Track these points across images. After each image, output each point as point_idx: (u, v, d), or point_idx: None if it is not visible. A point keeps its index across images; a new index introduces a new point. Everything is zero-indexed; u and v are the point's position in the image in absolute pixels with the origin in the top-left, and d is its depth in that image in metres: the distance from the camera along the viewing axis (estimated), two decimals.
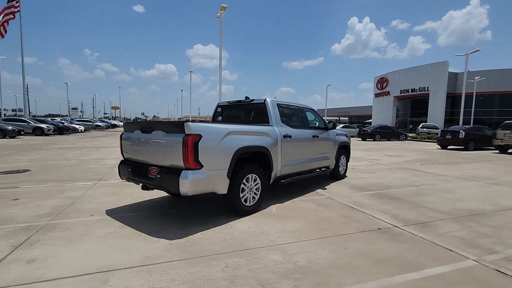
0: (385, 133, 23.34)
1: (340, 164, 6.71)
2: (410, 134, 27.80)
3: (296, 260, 2.70)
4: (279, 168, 4.64)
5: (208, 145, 3.45)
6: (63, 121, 34.57)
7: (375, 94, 49.52)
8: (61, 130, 25.32)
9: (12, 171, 7.28)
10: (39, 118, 39.50)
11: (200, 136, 3.36)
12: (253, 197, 4.16)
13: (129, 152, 4.22)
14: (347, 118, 73.29)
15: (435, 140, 18.36)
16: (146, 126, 3.87)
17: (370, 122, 49.15)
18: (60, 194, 5.15)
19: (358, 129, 25.99)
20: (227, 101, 5.50)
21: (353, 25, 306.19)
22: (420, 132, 27.00)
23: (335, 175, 6.63)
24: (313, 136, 5.49)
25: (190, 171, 3.32)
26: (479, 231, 3.49)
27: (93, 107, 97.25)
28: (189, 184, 3.30)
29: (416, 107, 46.04)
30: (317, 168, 5.84)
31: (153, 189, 3.84)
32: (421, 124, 31.76)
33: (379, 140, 22.76)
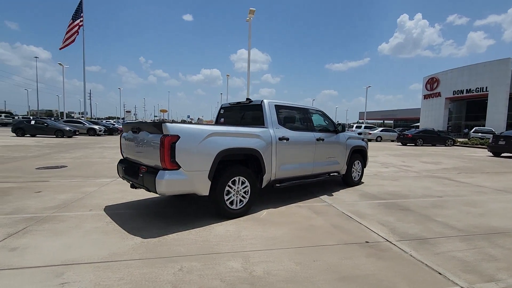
0: (428, 138, 21.37)
1: (353, 169, 6.27)
2: (460, 139, 25.10)
3: (254, 269, 2.55)
4: (273, 171, 4.48)
5: (187, 146, 3.44)
6: (114, 123, 37.78)
7: (424, 95, 45.78)
8: (111, 131, 27.72)
9: (52, 167, 8.08)
10: (96, 120, 43.75)
11: (177, 137, 3.37)
12: (241, 200, 4.06)
13: (125, 152, 4.41)
14: (392, 122, 68.79)
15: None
16: (135, 126, 4.01)
17: (418, 126, 45.55)
18: (77, 189, 5.57)
19: (398, 133, 24.17)
20: (229, 103, 5.47)
21: (403, 23, 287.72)
22: (472, 137, 24.23)
23: (347, 181, 6.21)
24: (318, 139, 5.20)
25: (166, 171, 3.35)
26: (487, 253, 2.97)
27: (144, 110, 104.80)
28: (164, 184, 3.33)
29: (473, 109, 41.52)
30: (324, 173, 5.52)
31: (140, 188, 3.94)
32: (474, 128, 28.52)
33: (421, 145, 20.91)
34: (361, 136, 6.88)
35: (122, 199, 4.86)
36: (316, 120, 5.65)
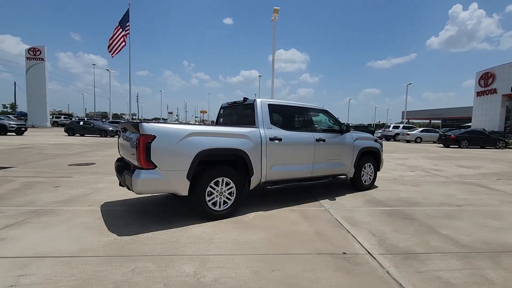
0: (475, 139, 19.21)
1: (364, 172, 5.83)
2: None
3: (205, 275, 2.45)
4: (264, 173, 4.32)
5: (163, 145, 3.45)
6: None
7: (477, 92, 41.34)
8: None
9: (82, 164, 8.74)
10: (140, 120, 46.80)
11: (153, 137, 3.39)
12: (225, 202, 3.97)
13: (120, 151, 4.57)
14: (439, 122, 63.27)
15: None
16: (123, 126, 4.13)
17: (470, 126, 41.33)
18: (91, 185, 5.92)
19: (440, 133, 22.10)
20: (227, 103, 5.41)
21: (455, 14, 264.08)
22: None
23: (356, 184, 5.79)
24: (318, 140, 4.91)
25: (142, 170, 3.39)
26: (484, 276, 2.52)
27: (185, 111, 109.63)
28: (140, 184, 3.37)
29: None
30: (327, 176, 5.21)
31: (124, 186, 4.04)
32: None
33: (466, 147, 18.87)
34: (373, 136, 6.36)
35: (124, 196, 5.06)
36: (318, 120, 5.36)
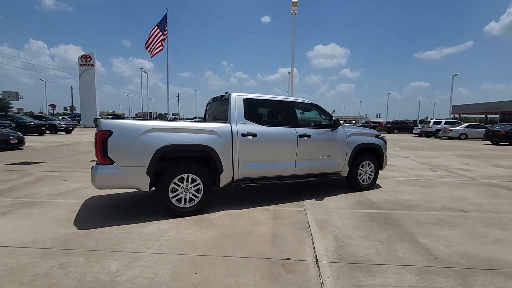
0: None
1: (361, 171, 5.34)
2: None
3: (124, 273, 2.38)
4: (236, 170, 4.15)
5: (120, 141, 3.46)
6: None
7: None
8: None
9: None
10: (181, 119, 49.15)
11: (110, 132, 3.42)
12: (191, 199, 3.89)
13: None
14: (498, 116, 56.37)
15: None
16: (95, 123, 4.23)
17: None
18: None
19: (490, 128, 19.57)
20: (211, 98, 5.31)
21: None
22: None
23: (353, 184, 5.33)
24: (301, 136, 4.59)
25: (100, 166, 3.44)
26: None
27: None
28: (97, 179, 3.43)
29: None
30: (315, 174, 4.86)
31: None
32: None
33: None
34: (374, 132, 5.77)
35: (116, 191, 5.21)
36: (310, 115, 5.02)
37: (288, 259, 2.66)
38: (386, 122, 37.03)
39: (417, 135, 26.51)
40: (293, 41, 14.63)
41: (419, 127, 26.74)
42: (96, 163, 3.52)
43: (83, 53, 43.83)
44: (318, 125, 5.01)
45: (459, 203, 4.59)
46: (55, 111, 73.94)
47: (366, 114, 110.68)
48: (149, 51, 38.90)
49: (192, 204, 3.90)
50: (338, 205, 4.44)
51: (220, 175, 4.04)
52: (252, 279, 2.31)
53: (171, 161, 3.86)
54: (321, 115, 5.14)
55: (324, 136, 4.88)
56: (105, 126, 3.44)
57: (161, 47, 38.12)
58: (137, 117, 54.59)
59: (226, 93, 4.73)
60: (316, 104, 5.14)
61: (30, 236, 3.12)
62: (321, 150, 4.85)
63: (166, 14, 39.87)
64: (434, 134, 22.96)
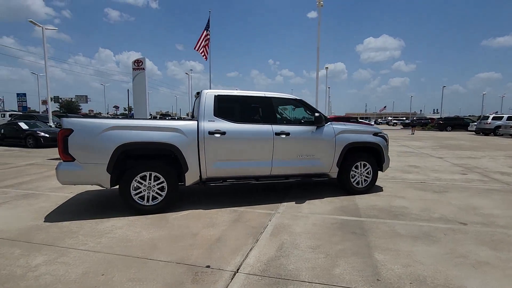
0: None
1: (355, 173, 4.80)
2: None
3: (39, 269, 2.42)
4: (203, 169, 4.03)
5: (81, 139, 3.57)
6: None
7: None
8: None
9: None
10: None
11: (70, 131, 3.55)
12: (155, 197, 3.87)
13: None
14: None
15: None
16: None
17: None
18: None
19: None
20: (194, 95, 5.23)
21: None
22: None
23: (345, 187, 4.83)
24: (278, 134, 4.27)
25: (62, 162, 3.60)
26: None
27: None
28: (60, 175, 3.60)
29: None
30: (297, 175, 4.52)
31: None
32: None
33: None
34: (374, 129, 5.12)
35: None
36: (285, 111, 4.67)
37: (208, 266, 2.46)
38: (438, 118, 33.33)
39: (473, 133, 23.38)
40: (318, 35, 13.89)
41: (476, 123, 23.51)
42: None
43: (136, 58, 47.66)
44: (301, 122, 4.64)
45: (464, 213, 3.85)
46: (118, 112, 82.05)
47: (421, 110, 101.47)
48: (201, 53, 40.40)
49: (156, 202, 3.88)
50: (315, 209, 4.05)
51: (185, 174, 3.95)
52: (151, 286, 2.17)
53: (135, 159, 3.89)
54: (307, 112, 4.74)
55: (306, 134, 4.48)
56: (66, 124, 3.58)
57: (205, 49, 39.56)
58: (165, 115, 57.09)
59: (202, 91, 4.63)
60: (300, 100, 4.75)
61: (19, 224, 3.41)
62: (303, 149, 4.47)
63: (209, 17, 41.07)
64: (494, 131, 19.96)
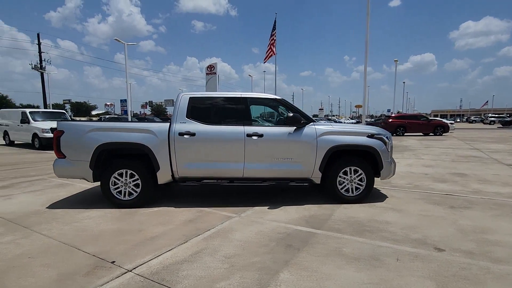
0: None
1: (343, 179, 4.28)
2: None
3: None
4: (175, 169, 4.20)
5: (69, 139, 4.16)
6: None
7: None
8: None
9: None
10: None
11: (62, 132, 4.16)
12: (131, 193, 4.22)
13: None
14: None
15: None
16: None
17: None
18: None
19: None
20: None
21: None
22: None
23: (331, 194, 4.35)
24: (250, 135, 4.13)
25: (57, 159, 4.24)
26: None
27: (339, 106, 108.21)
28: (55, 170, 4.25)
29: None
30: (272, 178, 4.31)
31: None
32: None
33: None
34: (370, 130, 4.38)
35: None
36: (261, 111, 4.46)
37: (113, 262, 2.60)
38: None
39: None
40: (367, 20, 12.55)
41: None
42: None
43: (209, 63, 51.66)
44: (277, 123, 4.37)
45: (460, 237, 3.04)
46: None
47: None
48: (267, 55, 41.86)
49: (132, 198, 4.22)
50: (280, 217, 3.78)
51: (157, 173, 4.19)
52: (51, 273, 2.42)
53: (114, 157, 4.31)
54: (289, 112, 4.43)
55: (283, 135, 4.20)
56: (59, 126, 4.21)
57: (272, 52, 40.51)
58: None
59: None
60: (280, 99, 4.47)
61: (14, 208, 4.22)
62: (279, 152, 4.21)
63: (275, 18, 41.75)
64: None
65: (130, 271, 2.44)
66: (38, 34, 30.72)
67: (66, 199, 4.74)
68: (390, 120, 20.00)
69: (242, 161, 4.20)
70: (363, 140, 4.26)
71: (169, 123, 4.24)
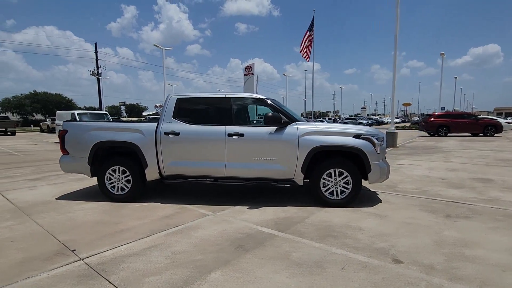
0: None
1: (327, 182, 4.09)
2: None
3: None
4: (161, 166, 4.41)
5: (72, 138, 4.60)
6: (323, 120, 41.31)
7: None
8: None
9: None
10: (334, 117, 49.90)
11: (66, 131, 4.62)
12: (123, 188, 4.54)
13: None
14: None
15: None
16: None
17: None
18: None
19: None
20: None
21: None
22: None
23: (314, 196, 4.19)
24: (231, 135, 4.17)
25: (63, 155, 4.72)
26: None
27: (384, 105, 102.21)
28: (60, 165, 4.74)
29: None
30: (254, 178, 4.29)
31: None
32: None
33: None
34: (356, 130, 4.06)
35: None
36: (246, 110, 4.44)
37: (73, 250, 2.83)
38: None
39: None
40: (397, 15, 11.58)
41: None
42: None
43: (247, 64, 52.52)
44: (259, 123, 4.33)
45: (433, 250, 2.72)
46: None
47: None
48: (303, 55, 41.95)
49: (124, 193, 4.53)
50: (253, 217, 3.75)
51: (145, 170, 4.44)
52: (18, 254, 2.73)
53: (110, 155, 4.66)
54: (273, 111, 4.36)
55: (263, 135, 4.16)
56: (64, 126, 4.69)
57: (308, 51, 40.28)
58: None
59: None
60: (263, 99, 4.41)
61: (30, 198, 4.80)
62: (261, 152, 4.18)
63: (313, 16, 41.33)
64: None
65: (82, 259, 2.65)
66: (95, 44, 34.08)
67: (76, 191, 5.24)
68: (431, 119, 18.29)
69: (224, 160, 4.25)
70: (348, 140, 4.02)
71: (157, 123, 4.46)
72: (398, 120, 56.47)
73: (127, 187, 4.52)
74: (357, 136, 4.04)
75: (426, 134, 18.78)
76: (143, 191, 4.63)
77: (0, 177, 6.55)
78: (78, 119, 14.56)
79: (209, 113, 4.57)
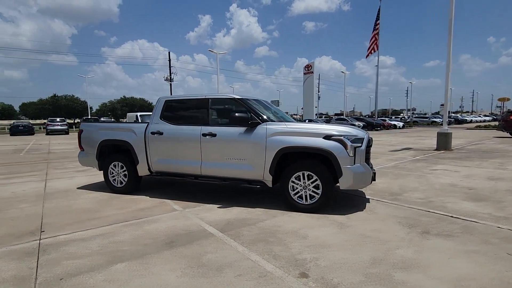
0: None
1: (295, 185, 3.86)
2: None
3: (11, 210, 4.24)
4: (150, 163, 4.80)
5: (86, 136, 5.36)
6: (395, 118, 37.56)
7: None
8: (372, 126, 28.41)
9: None
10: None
11: (82, 130, 5.41)
12: (121, 182, 5.09)
13: None
14: None
15: None
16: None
17: None
18: None
19: None
20: None
21: None
22: None
23: (286, 199, 3.99)
24: (205, 135, 4.29)
25: (80, 151, 5.53)
26: None
27: (472, 101, 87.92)
28: (79, 159, 5.56)
29: None
30: (231, 178, 4.32)
31: None
32: None
33: None
34: (328, 130, 3.62)
35: None
36: (224, 111, 4.47)
37: (43, 231, 3.35)
38: None
39: None
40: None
41: None
42: None
43: (307, 63, 51.41)
44: (231, 123, 4.31)
45: (348, 267, 2.36)
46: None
47: None
48: (370, 50, 39.79)
49: (122, 185, 5.08)
50: (214, 216, 3.80)
51: (137, 166, 4.89)
52: (6, 230, 3.37)
53: (113, 151, 5.26)
54: (249, 112, 4.28)
55: (233, 135, 4.15)
56: (81, 126, 5.50)
57: (375, 43, 37.76)
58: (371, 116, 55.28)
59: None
60: (237, 99, 4.37)
61: (61, 186, 5.77)
62: (231, 152, 4.19)
63: (379, 6, 38.56)
64: None
65: (39, 240, 3.12)
66: (169, 52, 38.12)
67: (97, 183, 6.06)
68: None
69: (200, 159, 4.40)
70: (315, 141, 3.72)
71: (147, 124, 4.87)
72: (487, 118, 47.88)
73: (125, 181, 5.04)
74: (328, 137, 3.71)
75: (508, 134, 15.52)
76: (138, 185, 5.10)
77: (58, 168, 7.97)
78: (140, 120, 16.52)
79: (189, 114, 4.78)
